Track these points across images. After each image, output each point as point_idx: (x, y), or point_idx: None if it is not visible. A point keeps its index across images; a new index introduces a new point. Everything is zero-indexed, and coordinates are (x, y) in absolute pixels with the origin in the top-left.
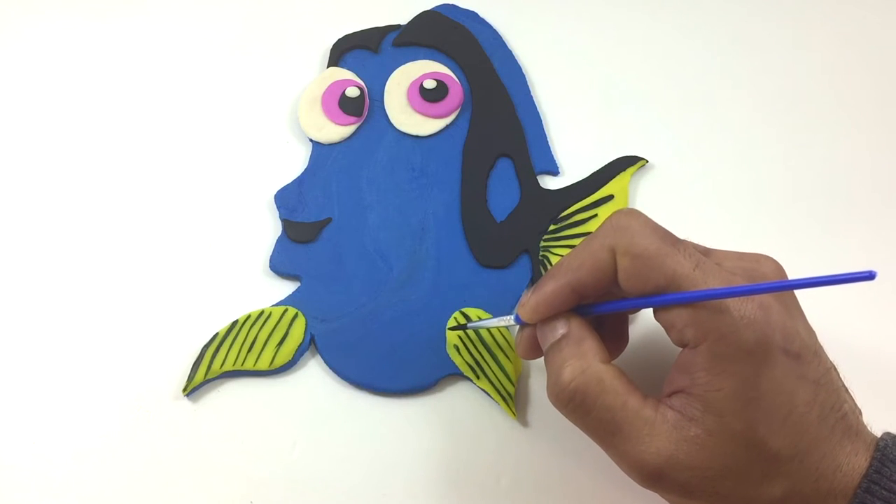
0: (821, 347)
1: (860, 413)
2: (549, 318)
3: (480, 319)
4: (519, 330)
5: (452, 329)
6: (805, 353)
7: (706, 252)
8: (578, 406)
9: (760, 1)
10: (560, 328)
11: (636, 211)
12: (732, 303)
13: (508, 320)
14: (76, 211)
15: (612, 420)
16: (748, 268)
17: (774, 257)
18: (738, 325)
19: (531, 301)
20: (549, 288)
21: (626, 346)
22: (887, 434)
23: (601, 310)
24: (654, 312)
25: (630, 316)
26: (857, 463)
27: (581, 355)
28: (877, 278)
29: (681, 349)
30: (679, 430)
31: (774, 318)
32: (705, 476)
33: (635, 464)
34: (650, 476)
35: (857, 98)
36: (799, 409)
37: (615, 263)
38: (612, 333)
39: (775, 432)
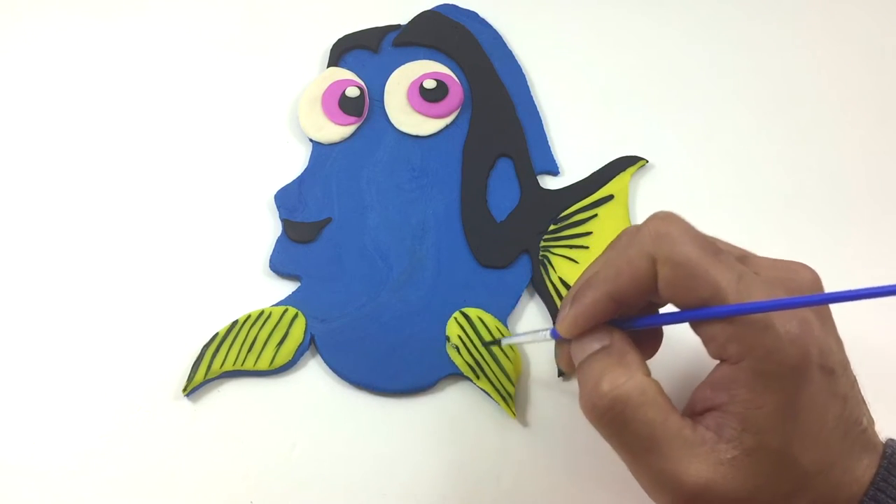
0: (848, 360)
1: (873, 423)
2: (587, 331)
3: (514, 335)
4: (557, 344)
5: (487, 344)
6: (837, 369)
7: (743, 259)
8: (616, 417)
9: (760, 2)
10: (603, 340)
11: (675, 216)
12: (776, 318)
13: (544, 335)
14: (76, 211)
15: (650, 436)
16: (786, 278)
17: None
18: (783, 341)
19: (570, 315)
20: (588, 300)
21: (658, 348)
22: (891, 440)
23: (642, 324)
24: (693, 324)
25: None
26: (869, 473)
27: (625, 365)
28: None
29: (715, 365)
30: (716, 452)
31: (814, 334)
32: (738, 498)
33: (672, 484)
34: (685, 499)
35: (856, 99)
36: (829, 425)
37: (655, 272)
38: (645, 336)
39: (807, 449)
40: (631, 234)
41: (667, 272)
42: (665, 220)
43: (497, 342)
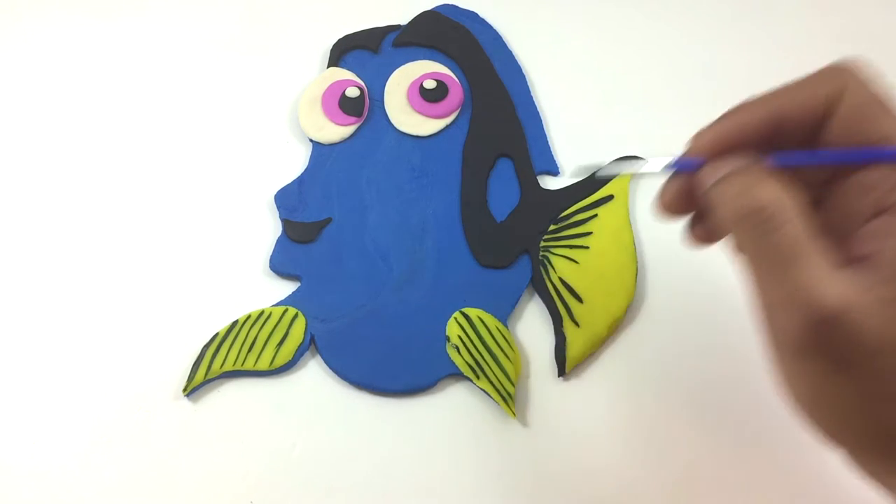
0: None
1: None
2: (727, 153)
3: (613, 165)
4: (670, 178)
5: (585, 169)
6: None
7: None
8: (766, 220)
9: (760, 2)
10: (747, 159)
11: (858, 69)
12: None
13: (662, 163)
14: (76, 211)
15: (797, 246)
16: None
17: None
18: None
19: (713, 130)
20: (742, 116)
21: None
22: None
23: (796, 160)
24: (851, 173)
25: None
26: None
27: (776, 182)
28: None
29: (865, 222)
30: (857, 290)
31: None
32: (869, 342)
33: (810, 301)
34: (819, 318)
35: None
36: None
37: (831, 109)
38: None
39: None
40: (814, 72)
41: (846, 108)
42: (851, 65)
43: (593, 173)
